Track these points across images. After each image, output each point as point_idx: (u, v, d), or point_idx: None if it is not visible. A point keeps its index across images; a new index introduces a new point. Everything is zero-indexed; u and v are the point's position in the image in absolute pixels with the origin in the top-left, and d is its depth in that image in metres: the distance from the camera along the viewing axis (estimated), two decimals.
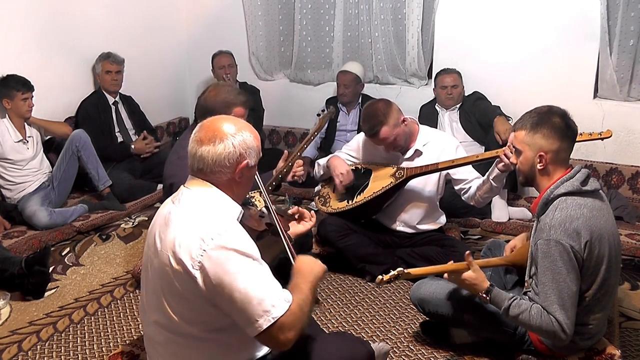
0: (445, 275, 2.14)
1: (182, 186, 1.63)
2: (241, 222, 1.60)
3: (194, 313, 1.53)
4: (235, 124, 1.60)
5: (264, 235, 1.80)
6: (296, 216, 2.04)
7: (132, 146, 4.14)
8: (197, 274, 1.46)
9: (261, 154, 1.66)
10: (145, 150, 4.19)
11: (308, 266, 1.65)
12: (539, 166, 2.01)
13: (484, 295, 2.04)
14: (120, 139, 4.18)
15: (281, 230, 1.77)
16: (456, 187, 2.90)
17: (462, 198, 2.89)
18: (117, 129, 4.17)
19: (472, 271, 2.06)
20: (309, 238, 2.98)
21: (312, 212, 2.08)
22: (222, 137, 1.55)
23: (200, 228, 1.49)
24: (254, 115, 4.15)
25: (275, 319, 1.44)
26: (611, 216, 2.03)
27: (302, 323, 1.51)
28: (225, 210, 1.58)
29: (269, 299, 1.45)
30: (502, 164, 2.49)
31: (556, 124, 1.98)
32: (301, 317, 1.50)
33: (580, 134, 2.43)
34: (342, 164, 3.02)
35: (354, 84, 4.20)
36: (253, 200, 1.98)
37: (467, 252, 2.11)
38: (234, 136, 1.56)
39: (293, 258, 1.71)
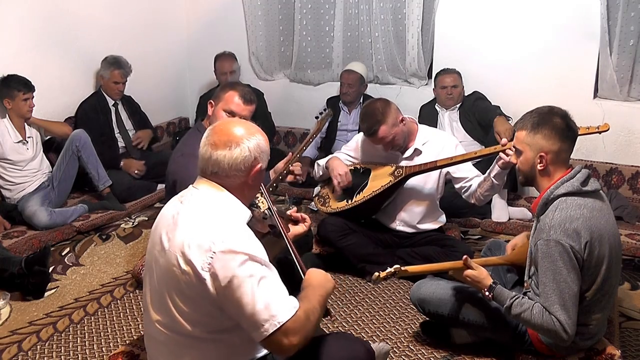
0: (450, 272, 2.15)
1: (190, 186, 1.63)
2: (249, 226, 1.61)
3: (198, 314, 1.53)
4: (246, 128, 1.62)
5: (266, 236, 1.81)
6: (292, 217, 2.06)
7: (122, 163, 4.06)
8: (207, 276, 1.46)
9: (269, 157, 1.67)
10: (133, 171, 4.08)
11: (319, 281, 1.67)
12: (539, 166, 2.01)
13: (487, 293, 2.05)
14: (120, 142, 4.17)
15: (284, 234, 1.79)
16: (456, 186, 2.90)
17: (463, 196, 2.88)
18: (117, 131, 4.16)
19: (473, 269, 2.07)
20: (309, 238, 2.98)
21: (304, 215, 2.08)
22: (237, 141, 1.56)
23: (211, 230, 1.49)
24: (262, 117, 4.18)
25: (281, 324, 1.45)
26: (612, 216, 2.03)
27: (307, 330, 1.51)
28: (236, 213, 1.59)
29: (276, 304, 1.46)
30: (502, 161, 2.50)
31: (557, 124, 1.98)
32: (306, 324, 1.50)
33: (578, 128, 2.43)
34: (341, 165, 3.02)
35: (358, 84, 4.21)
36: (257, 202, 1.99)
37: (465, 256, 2.11)
38: (248, 140, 1.58)
39: (298, 262, 1.72)
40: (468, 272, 2.08)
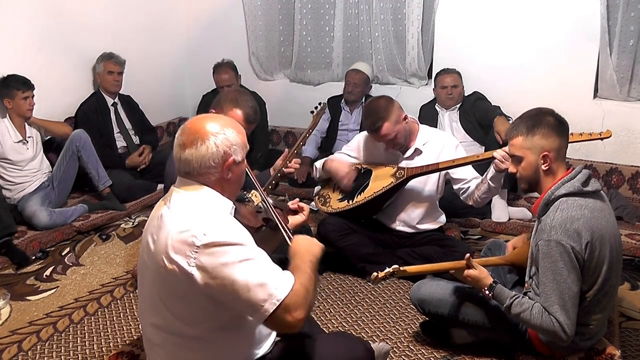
0: (451, 272, 2.15)
1: (172, 187, 1.63)
2: (240, 221, 1.60)
3: (191, 312, 1.53)
4: (216, 122, 1.58)
5: (260, 229, 1.80)
6: (292, 207, 2.06)
7: (127, 162, 4.11)
8: (194, 271, 1.45)
9: (248, 148, 1.65)
10: (140, 164, 4.15)
11: (305, 246, 1.63)
12: (543, 167, 2.01)
13: (487, 292, 2.05)
14: (120, 141, 4.18)
15: (278, 220, 1.75)
16: (455, 187, 2.90)
17: (461, 198, 2.89)
18: (117, 130, 4.16)
19: (474, 268, 2.08)
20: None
21: (301, 204, 2.09)
22: (203, 137, 1.54)
23: (193, 226, 1.48)
24: (259, 129, 4.14)
25: (280, 301, 1.43)
26: (612, 217, 2.04)
27: (308, 301, 1.49)
28: (217, 206, 1.57)
29: (271, 283, 1.45)
30: (497, 165, 2.51)
31: (550, 122, 2.00)
32: (306, 295, 1.49)
33: (580, 134, 2.44)
34: (341, 165, 3.00)
35: (363, 85, 4.21)
36: (250, 196, 1.99)
37: (467, 255, 2.11)
38: (215, 135, 1.55)
39: (290, 240, 1.69)
40: (468, 271, 2.08)
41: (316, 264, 1.61)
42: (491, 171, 2.60)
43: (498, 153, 2.50)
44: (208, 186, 1.58)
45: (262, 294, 1.43)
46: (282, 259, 1.86)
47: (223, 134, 1.56)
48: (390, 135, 2.83)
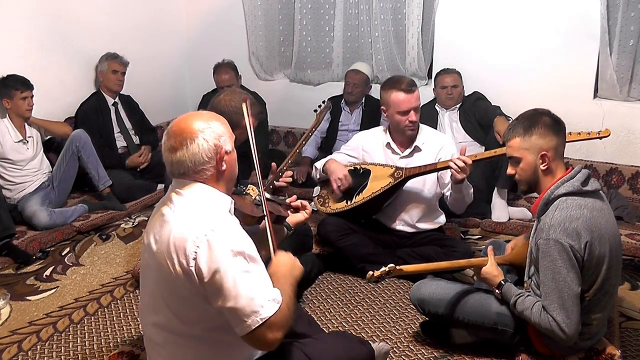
0: (471, 269, 2.19)
1: (170, 189, 1.63)
2: (236, 210, 1.60)
3: (191, 312, 1.54)
4: (199, 119, 1.59)
5: (262, 220, 1.80)
6: (294, 205, 2.06)
7: (127, 162, 4.13)
8: (192, 271, 1.46)
9: (234, 136, 1.66)
10: (140, 164, 4.17)
11: (288, 268, 1.64)
12: (542, 167, 2.01)
13: (497, 290, 2.11)
14: (121, 141, 4.18)
15: (268, 220, 1.74)
16: (442, 191, 2.93)
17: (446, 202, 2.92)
18: (117, 130, 4.16)
19: (489, 265, 2.14)
20: (309, 238, 2.98)
21: (304, 202, 2.09)
22: (192, 136, 1.54)
23: (194, 225, 1.49)
24: (259, 128, 4.12)
25: (264, 320, 1.45)
26: (612, 216, 2.04)
27: (288, 323, 1.52)
28: (216, 204, 1.58)
29: (258, 299, 1.45)
30: (454, 176, 2.57)
31: (547, 121, 2.02)
32: (289, 317, 1.51)
33: (579, 134, 2.45)
34: (339, 167, 2.99)
35: (363, 85, 4.22)
36: (247, 190, 1.99)
37: (490, 247, 2.21)
38: (203, 131, 1.55)
39: (274, 251, 1.68)
40: (485, 268, 2.14)
41: (295, 287, 1.62)
42: (450, 182, 2.63)
43: (454, 162, 2.54)
44: (205, 183, 1.58)
45: (247, 309, 1.44)
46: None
47: (209, 127, 1.57)
48: (419, 101, 2.87)
